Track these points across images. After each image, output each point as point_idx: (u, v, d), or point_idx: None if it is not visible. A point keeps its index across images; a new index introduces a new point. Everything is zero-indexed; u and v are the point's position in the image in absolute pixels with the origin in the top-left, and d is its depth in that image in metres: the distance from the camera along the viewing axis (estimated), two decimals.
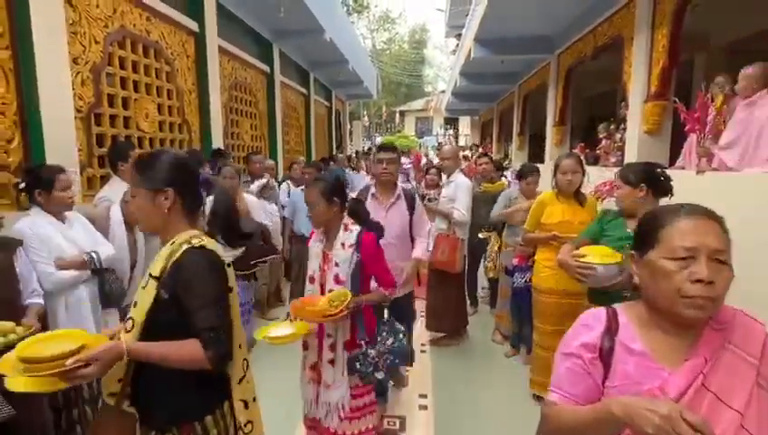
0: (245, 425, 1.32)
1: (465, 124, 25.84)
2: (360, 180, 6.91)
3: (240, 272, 3.31)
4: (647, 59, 4.38)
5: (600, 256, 1.96)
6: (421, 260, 2.78)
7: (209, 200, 3.01)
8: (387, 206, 2.75)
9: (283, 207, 4.63)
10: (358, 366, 1.94)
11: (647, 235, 0.98)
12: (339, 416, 1.97)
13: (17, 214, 2.31)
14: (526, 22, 6.53)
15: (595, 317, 1.04)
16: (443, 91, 22.79)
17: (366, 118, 28.53)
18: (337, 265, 1.99)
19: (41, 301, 2.01)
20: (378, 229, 2.17)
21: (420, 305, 3.83)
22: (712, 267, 0.87)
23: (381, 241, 2.47)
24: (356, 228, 2.04)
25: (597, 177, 4.55)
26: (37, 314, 1.93)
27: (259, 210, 3.50)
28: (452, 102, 15.96)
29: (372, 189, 2.83)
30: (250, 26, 6.21)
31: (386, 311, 2.13)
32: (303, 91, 9.42)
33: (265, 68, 6.93)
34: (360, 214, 2.17)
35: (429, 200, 3.92)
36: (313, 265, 2.10)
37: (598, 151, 6.04)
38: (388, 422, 2.74)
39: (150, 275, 1.23)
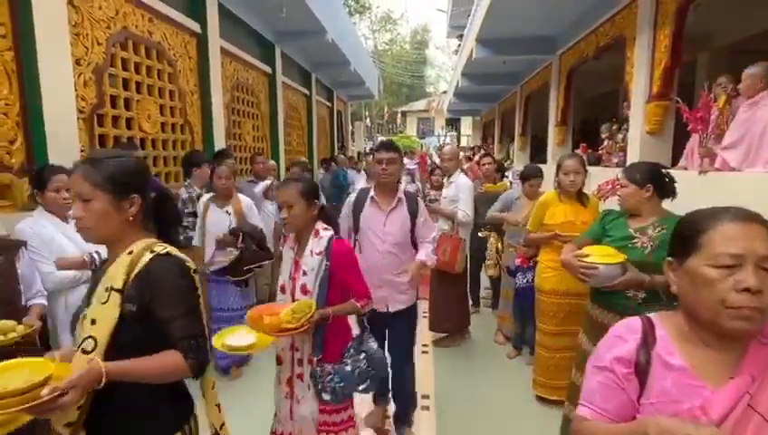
0: (221, 428, 1.31)
1: (466, 125, 25.82)
2: (362, 181, 6.92)
3: (233, 278, 3.27)
4: (649, 59, 4.37)
5: (602, 256, 1.95)
6: (425, 264, 2.48)
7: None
8: (387, 211, 2.45)
9: (279, 208, 4.62)
10: (311, 384, 1.85)
11: (686, 240, 0.90)
12: (317, 429, 1.88)
13: (22, 214, 2.33)
14: (528, 22, 6.52)
15: (629, 328, 0.96)
16: (444, 92, 22.80)
17: (368, 118, 28.55)
18: (305, 273, 1.86)
19: (44, 301, 2.02)
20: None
21: (423, 305, 3.82)
22: (760, 275, 0.80)
23: (379, 250, 2.40)
24: (327, 234, 1.90)
25: (599, 177, 4.54)
26: (38, 314, 1.93)
27: (252, 212, 3.44)
28: (454, 103, 15.95)
29: (372, 192, 2.51)
30: (252, 27, 6.22)
31: (364, 324, 1.99)
32: (305, 91, 9.43)
33: (267, 69, 6.94)
34: (334, 219, 2.06)
35: (431, 201, 3.85)
36: (284, 274, 1.97)
37: (600, 152, 6.03)
38: (391, 423, 2.74)
39: (112, 288, 1.13)
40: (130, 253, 1.17)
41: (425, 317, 3.97)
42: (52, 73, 2.74)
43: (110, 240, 1.21)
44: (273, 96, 7.21)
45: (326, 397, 1.83)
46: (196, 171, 3.62)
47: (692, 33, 4.27)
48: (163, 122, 4.24)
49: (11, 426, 1.03)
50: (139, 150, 3.10)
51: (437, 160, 12.78)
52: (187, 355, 1.13)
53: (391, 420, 2.71)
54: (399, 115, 32.25)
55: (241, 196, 3.45)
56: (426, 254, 2.50)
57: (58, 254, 2.15)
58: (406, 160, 10.63)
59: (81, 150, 3.09)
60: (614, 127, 5.89)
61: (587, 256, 1.98)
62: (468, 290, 4.18)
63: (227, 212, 3.22)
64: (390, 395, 2.71)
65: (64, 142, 2.83)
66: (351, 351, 1.91)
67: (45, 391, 0.92)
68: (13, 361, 1.07)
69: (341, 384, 1.83)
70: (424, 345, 3.84)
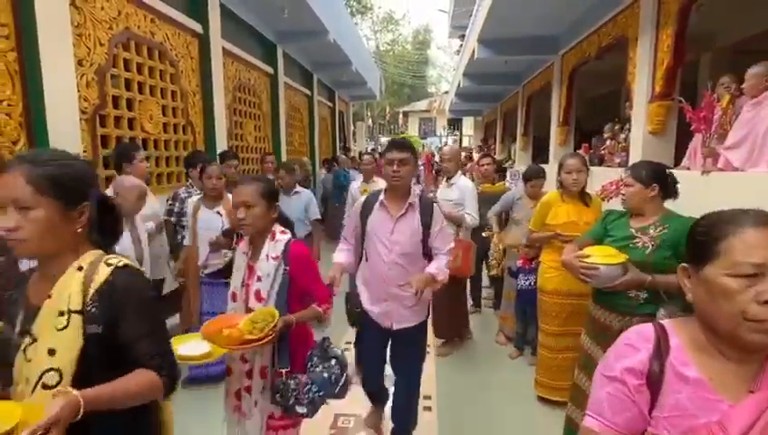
0: None
1: (468, 125, 25.80)
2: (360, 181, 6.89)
3: (226, 280, 3.19)
4: (651, 59, 4.36)
5: (603, 257, 1.94)
6: (435, 278, 2.13)
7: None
8: (395, 217, 2.18)
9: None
10: (278, 398, 1.70)
11: (703, 246, 0.85)
12: None
13: None
14: (530, 22, 6.51)
15: (641, 336, 0.91)
16: (446, 92, 22.78)
17: (369, 119, 28.57)
18: (259, 279, 1.74)
19: None
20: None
21: None
22: None
23: (385, 260, 2.16)
24: (284, 238, 1.79)
25: (602, 177, 4.53)
26: None
27: None
28: (455, 103, 15.93)
29: (382, 196, 2.24)
30: (254, 28, 6.23)
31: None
32: (307, 92, 9.44)
33: (269, 69, 6.95)
34: (291, 223, 1.95)
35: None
36: (236, 280, 1.83)
37: (602, 152, 6.01)
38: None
39: (70, 310, 1.00)
40: (80, 268, 1.04)
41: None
42: (54, 74, 2.75)
43: (50, 255, 1.05)
44: (275, 96, 7.23)
45: (301, 410, 1.70)
46: (192, 172, 3.61)
47: (694, 33, 4.25)
48: (165, 123, 4.25)
49: None
50: (141, 150, 3.09)
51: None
52: (161, 373, 1.06)
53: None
54: (401, 115, 32.27)
55: (230, 196, 3.40)
56: (437, 266, 2.19)
57: None
58: None
59: (84, 151, 3.10)
60: (616, 127, 5.88)
61: (588, 256, 1.97)
62: (469, 291, 4.17)
63: (218, 213, 3.11)
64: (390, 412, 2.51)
65: (67, 143, 2.84)
66: (316, 359, 1.81)
67: (26, 433, 0.82)
68: None
69: (321, 393, 1.74)
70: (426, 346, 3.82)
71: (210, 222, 3.08)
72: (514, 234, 3.77)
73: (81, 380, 0.99)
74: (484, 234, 4.13)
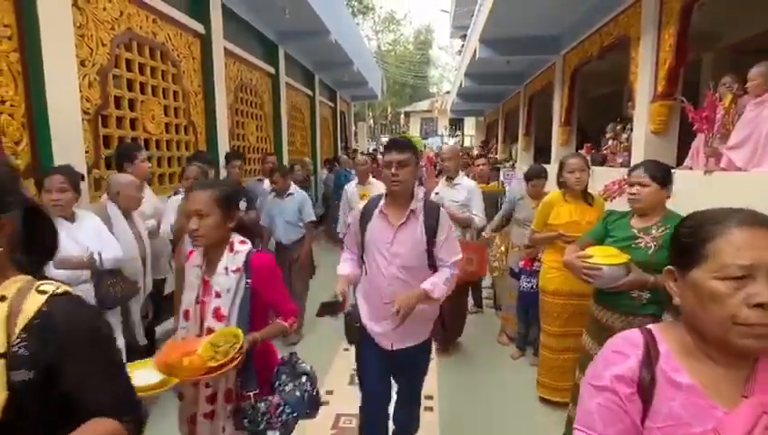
0: None
1: (470, 125, 25.78)
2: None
3: None
4: (653, 58, 4.34)
5: (605, 257, 1.94)
6: (429, 295, 1.90)
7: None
8: (396, 226, 1.94)
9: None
10: (246, 423, 1.56)
11: (689, 248, 0.81)
12: None
13: None
14: (531, 22, 6.50)
15: (629, 342, 0.87)
16: (448, 92, 22.77)
17: (371, 119, 28.57)
18: (218, 295, 1.56)
19: None
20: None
21: None
22: None
23: (384, 273, 1.93)
24: (244, 248, 1.63)
25: (604, 177, 4.52)
26: None
27: None
28: (457, 103, 15.92)
29: (381, 203, 2.01)
30: (255, 28, 6.24)
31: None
32: (308, 92, 9.44)
33: (271, 69, 6.96)
34: (252, 230, 1.80)
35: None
36: (189, 297, 1.63)
37: (604, 151, 6.00)
38: None
39: None
40: (2, 299, 0.81)
41: None
42: (57, 75, 2.75)
43: None
44: (277, 97, 7.23)
45: None
46: None
47: (697, 33, 4.24)
48: (167, 123, 4.25)
49: None
50: (142, 150, 3.09)
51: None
52: (123, 418, 0.86)
53: None
54: (403, 116, 32.25)
55: None
56: (433, 282, 1.93)
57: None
58: None
59: (86, 151, 3.11)
60: (618, 127, 5.87)
61: (590, 256, 1.97)
62: (470, 293, 4.16)
63: None
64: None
65: (69, 143, 2.85)
66: (284, 377, 1.67)
67: None
68: None
69: (295, 414, 1.61)
70: None
71: None
72: (517, 233, 3.76)
73: None
74: (484, 234, 4.13)
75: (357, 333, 2.05)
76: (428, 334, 2.13)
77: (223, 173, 4.69)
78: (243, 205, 4.06)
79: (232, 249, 1.62)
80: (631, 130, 5.06)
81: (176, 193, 3.37)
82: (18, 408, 0.78)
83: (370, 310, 2.05)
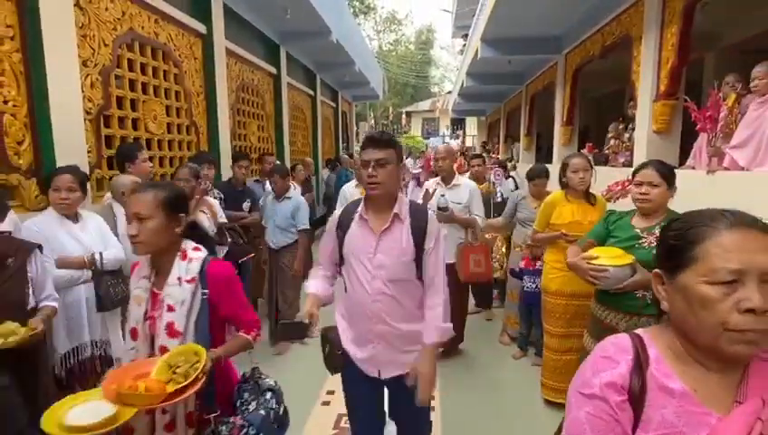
0: None
1: (471, 125, 25.76)
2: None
3: None
4: (656, 58, 4.33)
5: (611, 258, 1.92)
6: (433, 352, 1.69)
7: None
8: (378, 233, 1.69)
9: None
10: None
11: (677, 251, 0.79)
12: None
13: (30, 215, 2.35)
14: (533, 21, 6.49)
15: (618, 347, 0.83)
16: (449, 92, 22.76)
17: (373, 119, 28.58)
18: (171, 309, 1.41)
19: (55, 304, 2.02)
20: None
21: None
22: (764, 291, 0.70)
23: (368, 289, 1.68)
24: (199, 255, 1.48)
25: (606, 177, 4.51)
26: (46, 317, 1.94)
27: (221, 212, 3.38)
28: (459, 103, 15.92)
29: (360, 208, 1.75)
30: (257, 28, 6.24)
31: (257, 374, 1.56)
32: (310, 92, 9.45)
33: (272, 70, 6.96)
34: (207, 235, 1.65)
35: (442, 209, 3.19)
36: (136, 313, 1.46)
37: (606, 151, 5.99)
38: None
39: None
40: None
41: None
42: (59, 75, 2.76)
43: None
44: (279, 97, 7.23)
45: None
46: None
47: (699, 32, 4.23)
48: (169, 123, 4.26)
49: None
50: (143, 150, 3.10)
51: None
52: None
53: None
54: (404, 115, 32.25)
55: (208, 198, 3.39)
56: (434, 327, 1.69)
57: (59, 252, 2.16)
58: (409, 163, 10.17)
59: (89, 151, 3.12)
60: (620, 126, 5.86)
61: (595, 257, 1.95)
62: (471, 294, 4.15)
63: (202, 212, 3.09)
64: None
65: (72, 143, 2.86)
66: (247, 395, 1.52)
67: None
68: None
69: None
70: None
71: None
72: (518, 233, 3.76)
73: None
74: (487, 235, 4.12)
75: (339, 361, 1.80)
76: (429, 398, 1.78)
77: (228, 173, 4.71)
78: (247, 205, 4.08)
79: (185, 257, 1.46)
80: (633, 129, 5.05)
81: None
82: None
83: (352, 332, 1.78)
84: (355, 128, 16.87)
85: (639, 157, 4.49)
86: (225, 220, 3.28)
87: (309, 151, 9.43)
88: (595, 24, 5.78)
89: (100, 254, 2.25)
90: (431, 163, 9.10)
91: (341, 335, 1.80)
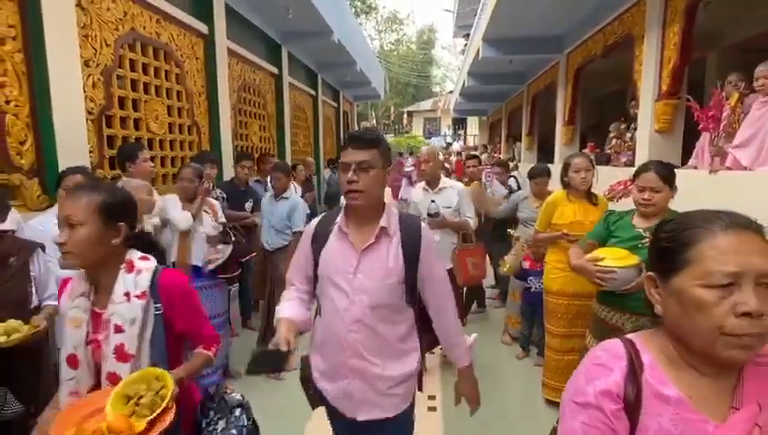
0: None
1: (473, 124, 25.76)
2: None
3: (224, 275, 3.08)
4: (658, 57, 4.33)
5: (617, 259, 1.90)
6: (472, 371, 1.54)
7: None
8: (360, 250, 1.40)
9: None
10: None
11: (671, 253, 0.77)
12: None
13: (32, 214, 2.36)
14: (535, 21, 6.48)
15: (611, 353, 0.81)
16: (451, 92, 22.77)
17: (374, 119, 28.59)
18: (119, 329, 1.22)
19: (56, 303, 2.03)
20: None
21: None
22: (761, 295, 0.68)
23: (344, 316, 1.39)
24: (148, 265, 1.30)
25: (608, 176, 4.50)
26: (49, 315, 1.95)
27: (221, 212, 3.36)
28: (460, 103, 15.92)
29: (339, 219, 1.47)
30: (259, 28, 6.25)
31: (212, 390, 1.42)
32: (311, 92, 9.46)
33: (274, 70, 6.97)
34: (154, 243, 1.47)
35: (434, 215, 3.01)
36: (74, 338, 1.25)
37: (608, 151, 5.98)
38: None
39: None
40: None
41: None
42: (61, 75, 2.77)
43: None
44: (280, 97, 7.24)
45: None
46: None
47: (701, 31, 4.22)
48: (171, 123, 4.27)
49: None
50: (144, 150, 3.09)
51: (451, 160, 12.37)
52: None
53: None
54: (406, 115, 32.25)
55: (209, 199, 3.35)
56: (462, 349, 1.51)
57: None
58: (409, 163, 9.97)
59: (90, 151, 3.13)
60: (622, 126, 5.85)
61: (601, 259, 1.93)
62: (467, 295, 4.13)
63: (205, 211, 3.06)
64: None
65: (73, 143, 2.87)
66: (213, 414, 1.37)
67: None
68: None
69: None
70: None
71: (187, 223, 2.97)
72: (520, 233, 3.75)
73: None
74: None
75: (314, 400, 1.56)
76: (408, 403, 1.51)
77: (229, 173, 4.71)
78: (249, 205, 4.07)
79: (132, 268, 1.28)
80: (635, 129, 5.04)
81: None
82: None
83: (325, 365, 1.49)
84: (356, 128, 16.88)
85: (641, 156, 4.49)
86: (225, 220, 3.28)
87: (310, 151, 9.44)
88: (597, 24, 5.77)
89: None
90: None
91: (313, 369, 1.53)
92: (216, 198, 3.50)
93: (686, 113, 4.14)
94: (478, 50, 8.09)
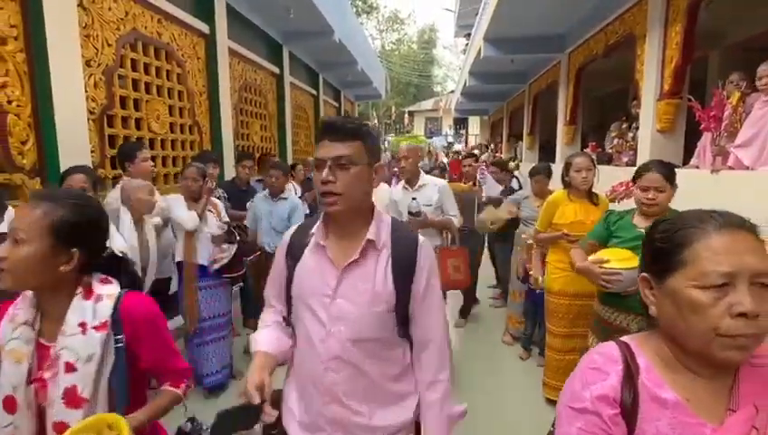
0: None
1: (474, 124, 25.73)
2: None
3: (229, 275, 3.09)
4: (659, 56, 4.32)
5: (621, 260, 1.89)
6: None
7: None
8: (341, 267, 1.13)
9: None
10: None
11: (665, 254, 0.77)
12: None
13: None
14: (536, 20, 6.47)
15: (607, 357, 0.80)
16: (452, 91, 22.74)
17: (375, 118, 28.58)
18: (71, 368, 1.01)
19: None
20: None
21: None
22: (755, 294, 0.68)
23: (320, 351, 1.12)
24: (110, 291, 1.10)
25: (609, 176, 4.49)
26: None
27: (224, 212, 3.36)
28: (461, 102, 15.90)
29: (315, 229, 1.19)
30: (260, 28, 6.25)
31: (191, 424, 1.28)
32: (313, 92, 9.46)
33: (275, 69, 6.97)
34: (117, 262, 1.20)
35: (415, 214, 2.87)
36: (13, 375, 1.03)
37: (610, 150, 5.97)
38: None
39: None
40: None
41: None
42: (62, 75, 2.77)
43: None
44: (281, 96, 7.24)
45: None
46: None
47: (703, 31, 4.21)
48: (172, 123, 4.27)
49: None
50: (144, 149, 3.09)
51: (445, 160, 12.39)
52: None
53: None
54: (407, 115, 32.23)
55: (212, 198, 3.34)
56: (442, 417, 1.18)
57: None
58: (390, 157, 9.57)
59: (92, 151, 3.13)
60: (624, 126, 5.84)
61: (605, 261, 1.92)
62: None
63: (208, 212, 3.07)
64: None
65: (75, 143, 2.87)
66: None
67: None
68: None
69: None
70: None
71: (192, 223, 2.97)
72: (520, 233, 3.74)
73: None
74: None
75: None
76: None
77: (230, 173, 4.72)
78: (250, 205, 4.06)
79: (90, 295, 1.07)
80: (637, 128, 5.03)
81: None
82: None
83: (301, 410, 1.19)
84: None
85: (643, 156, 4.48)
86: (228, 220, 3.29)
87: (312, 151, 9.44)
88: (598, 23, 5.76)
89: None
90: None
91: (286, 415, 1.20)
92: (217, 198, 3.51)
93: (688, 113, 4.13)
94: (479, 49, 8.08)
